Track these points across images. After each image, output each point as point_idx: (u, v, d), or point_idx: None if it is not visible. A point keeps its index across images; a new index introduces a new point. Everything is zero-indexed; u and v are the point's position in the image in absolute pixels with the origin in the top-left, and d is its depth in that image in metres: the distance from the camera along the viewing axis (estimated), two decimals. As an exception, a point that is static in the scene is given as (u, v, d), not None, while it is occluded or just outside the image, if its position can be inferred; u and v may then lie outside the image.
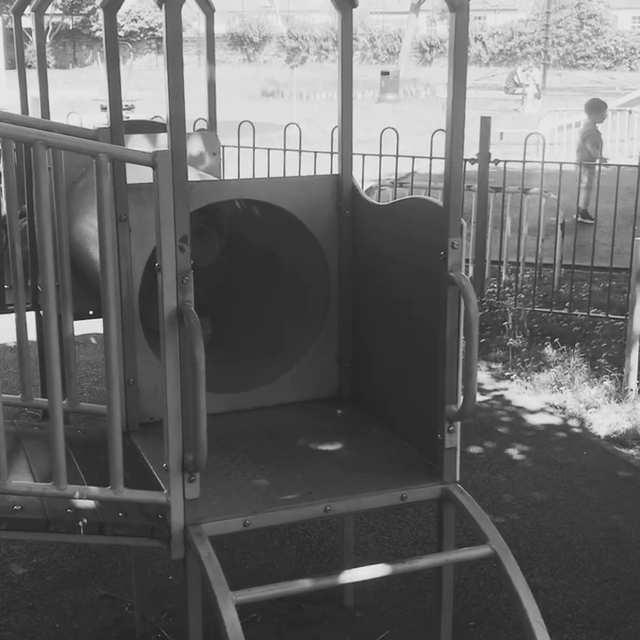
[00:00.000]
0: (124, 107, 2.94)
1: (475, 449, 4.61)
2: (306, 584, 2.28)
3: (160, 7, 2.06)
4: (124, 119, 2.96)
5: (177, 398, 2.22)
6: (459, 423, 2.51)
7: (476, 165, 6.84)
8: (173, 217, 2.14)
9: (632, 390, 5.16)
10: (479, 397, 5.24)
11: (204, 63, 3.99)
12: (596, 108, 10.27)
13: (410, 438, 2.69)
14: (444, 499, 2.53)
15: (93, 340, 5.85)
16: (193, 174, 3.41)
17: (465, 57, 2.31)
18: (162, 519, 2.33)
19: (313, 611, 3.24)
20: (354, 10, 2.83)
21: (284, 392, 2.98)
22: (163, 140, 3.75)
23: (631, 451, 4.65)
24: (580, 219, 7.58)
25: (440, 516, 2.58)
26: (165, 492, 2.29)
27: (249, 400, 2.94)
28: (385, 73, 27.30)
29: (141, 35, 42.02)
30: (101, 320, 2.24)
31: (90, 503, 2.32)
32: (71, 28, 41.48)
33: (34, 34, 3.93)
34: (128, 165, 2.63)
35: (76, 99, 20.36)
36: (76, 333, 2.93)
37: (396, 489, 2.51)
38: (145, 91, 21.28)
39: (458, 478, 2.54)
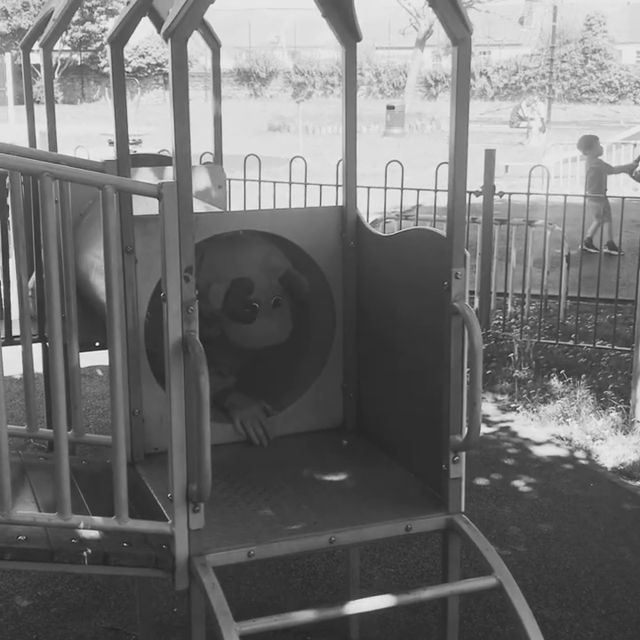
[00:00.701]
0: (131, 141, 2.98)
1: (481, 481, 4.59)
2: (310, 615, 2.27)
3: (166, 42, 2.09)
4: (132, 153, 2.99)
5: (181, 428, 2.23)
6: (463, 454, 2.51)
7: (481, 198, 6.88)
8: (178, 247, 2.16)
9: (639, 422, 5.15)
10: (485, 429, 5.23)
11: (211, 98, 4.04)
12: (590, 145, 10.39)
13: (415, 469, 2.69)
14: (449, 529, 2.52)
15: (99, 372, 5.86)
16: (199, 206, 3.43)
17: (467, 88, 2.33)
18: (166, 549, 2.33)
19: (318, 644, 3.22)
20: (358, 45, 2.87)
21: (289, 422, 2.98)
22: (169, 173, 3.78)
23: (638, 482, 4.63)
24: (585, 248, 7.58)
25: (445, 546, 2.57)
26: (170, 522, 2.29)
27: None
28: (390, 107, 27.51)
29: (149, 70, 42.41)
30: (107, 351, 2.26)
31: (94, 533, 2.32)
32: (79, 63, 41.93)
33: (42, 69, 3.98)
34: (134, 198, 2.65)
35: (84, 133, 20.54)
36: (83, 365, 2.93)
37: (400, 520, 2.50)
38: (152, 126, 21.47)
39: (463, 509, 2.54)
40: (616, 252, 8.32)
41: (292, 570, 3.71)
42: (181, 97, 2.10)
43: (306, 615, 2.27)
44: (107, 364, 2.27)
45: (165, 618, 3.35)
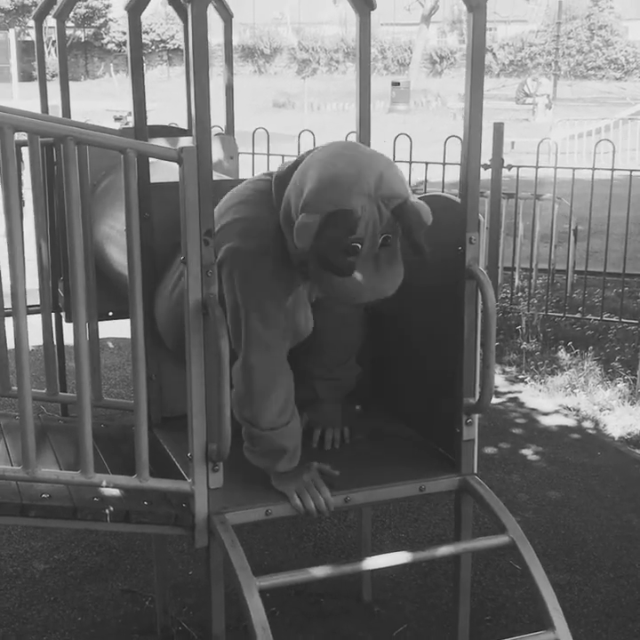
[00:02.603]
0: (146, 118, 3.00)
1: (490, 450, 4.65)
2: (327, 571, 2.33)
3: (187, 7, 2.11)
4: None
5: (201, 389, 2.27)
6: (476, 416, 2.56)
7: (489, 172, 6.88)
8: (198, 211, 2.20)
9: (645, 392, 5.20)
10: (494, 400, 5.26)
11: (220, 72, 4.05)
12: None
13: (428, 432, 2.74)
14: (462, 490, 2.58)
15: (110, 345, 5.91)
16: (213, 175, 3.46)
17: (482, 56, 2.36)
18: (186, 508, 2.38)
19: (331, 605, 3.28)
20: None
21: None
22: (183, 144, 3.81)
23: (645, 451, 4.69)
24: None
25: (458, 507, 2.63)
26: (190, 481, 2.35)
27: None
28: (396, 83, 27.42)
29: (153, 47, 42.25)
30: (119, 323, 2.30)
31: (116, 492, 2.37)
32: (83, 40, 41.75)
33: (57, 40, 3.99)
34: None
35: (89, 110, 20.46)
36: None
37: (414, 480, 2.55)
38: (156, 102, 21.43)
39: (476, 470, 2.59)
40: None
41: (303, 534, 3.77)
42: (201, 61, 2.13)
43: (323, 571, 2.33)
44: (118, 336, 2.32)
45: (181, 580, 3.41)
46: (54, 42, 4.19)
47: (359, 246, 2.18)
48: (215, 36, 4.11)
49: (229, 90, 4.05)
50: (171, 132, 4.21)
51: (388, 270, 2.24)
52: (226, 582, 2.40)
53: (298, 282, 2.47)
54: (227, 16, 3.98)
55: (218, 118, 4.19)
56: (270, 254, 2.37)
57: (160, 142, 3.88)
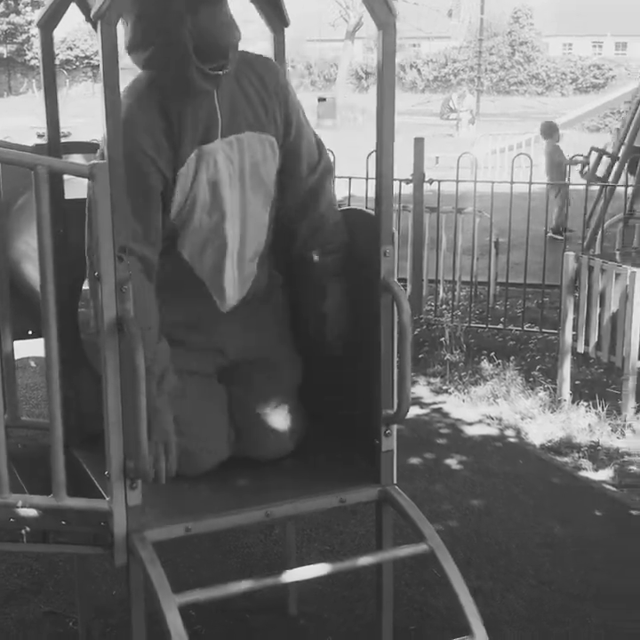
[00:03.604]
0: (60, 134, 2.98)
1: (414, 460, 4.69)
2: (247, 585, 2.33)
3: (94, 26, 2.11)
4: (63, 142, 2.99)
5: (117, 405, 2.26)
6: (395, 427, 2.59)
7: (412, 186, 6.98)
8: (111, 227, 2.19)
9: (565, 400, 5.32)
10: (418, 410, 5.34)
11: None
12: (550, 131, 11.01)
13: (348, 443, 2.75)
14: (382, 500, 2.60)
15: (33, 364, 5.83)
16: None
17: (393, 73, 2.40)
18: (104, 526, 2.35)
19: (257, 620, 3.28)
20: (290, 37, 2.91)
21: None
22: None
23: (565, 458, 4.78)
24: (551, 234, 7.74)
25: (379, 518, 2.65)
26: (108, 499, 2.33)
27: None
28: (322, 99, 27.64)
29: (77, 63, 41.86)
30: (41, 340, 2.27)
31: (33, 512, 2.34)
32: (5, 56, 41.17)
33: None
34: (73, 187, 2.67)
35: (13, 126, 20.20)
36: (16, 356, 2.95)
37: (335, 493, 2.56)
38: (80, 118, 21.22)
39: (395, 481, 2.61)
40: (561, 237, 8.50)
41: (229, 551, 3.76)
42: (112, 78, 2.13)
43: (243, 585, 2.33)
44: (40, 354, 2.29)
45: (104, 600, 3.37)
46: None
47: None
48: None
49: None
50: (88, 148, 4.17)
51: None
52: (149, 601, 2.39)
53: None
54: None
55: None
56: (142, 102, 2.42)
57: (77, 159, 3.85)
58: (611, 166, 8.52)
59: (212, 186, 2.49)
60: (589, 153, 8.86)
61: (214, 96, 2.45)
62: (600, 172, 8.58)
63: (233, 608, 3.27)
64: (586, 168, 8.94)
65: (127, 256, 2.22)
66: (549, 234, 7.70)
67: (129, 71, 2.42)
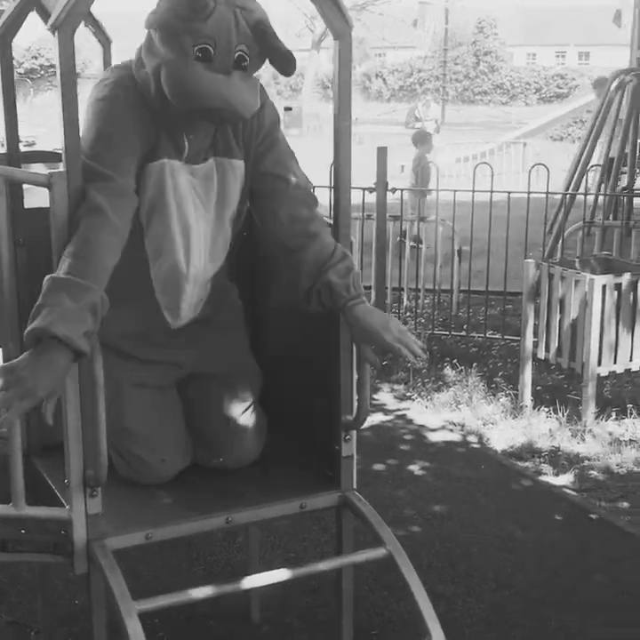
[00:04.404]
0: (24, 142, 3.00)
1: (378, 466, 4.73)
2: (208, 591, 2.34)
3: (53, 34, 2.13)
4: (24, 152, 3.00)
5: (76, 414, 2.26)
6: (354, 433, 2.62)
7: (375, 195, 7.02)
8: (68, 236, 2.20)
9: (526, 406, 5.38)
10: (382, 417, 5.38)
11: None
12: (422, 140, 11.08)
13: (308, 450, 2.78)
14: (342, 506, 2.62)
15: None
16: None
17: (349, 83, 2.43)
18: (64, 535, 2.35)
19: (220, 627, 3.29)
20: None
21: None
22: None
23: (526, 463, 4.84)
24: (412, 243, 7.75)
25: (339, 523, 2.67)
26: (67, 507, 2.33)
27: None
28: (288, 108, 27.72)
29: (42, 72, 41.65)
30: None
31: (-9, 521, 2.34)
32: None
33: None
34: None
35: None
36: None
37: (295, 498, 2.58)
38: (44, 127, 21.11)
39: (355, 486, 2.64)
40: (422, 246, 8.51)
41: (193, 559, 3.77)
42: (70, 89, 2.14)
43: (204, 591, 2.34)
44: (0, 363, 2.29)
45: (67, 609, 3.36)
46: None
47: (210, 50, 2.19)
48: (98, 60, 4.11)
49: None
50: (50, 157, 4.18)
51: (241, 86, 2.23)
52: (110, 610, 2.39)
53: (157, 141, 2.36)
54: (105, 40, 3.99)
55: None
56: (121, 98, 2.32)
57: (39, 168, 3.86)
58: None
59: (178, 207, 2.42)
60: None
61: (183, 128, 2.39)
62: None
63: (196, 615, 3.28)
64: None
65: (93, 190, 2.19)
66: (411, 243, 7.73)
67: (93, 79, 2.43)
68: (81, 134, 2.25)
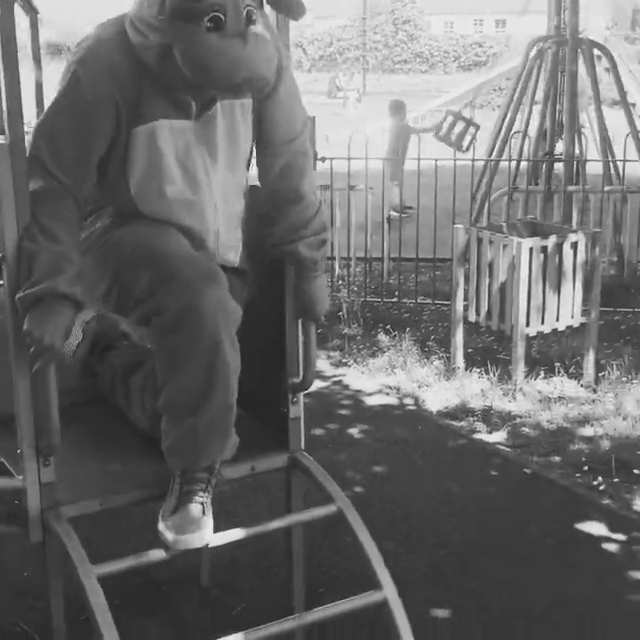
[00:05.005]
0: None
1: (318, 431, 4.81)
2: (162, 554, 2.39)
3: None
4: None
5: (27, 385, 2.28)
6: (301, 395, 2.68)
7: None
8: (14, 208, 2.20)
9: (459, 368, 5.52)
10: (320, 383, 5.46)
11: (30, 66, 4.01)
12: (398, 109, 11.15)
13: (257, 413, 2.83)
14: (292, 466, 2.69)
15: None
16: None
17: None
18: (19, 504, 2.38)
19: (173, 591, 3.34)
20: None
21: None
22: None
23: (461, 423, 4.98)
24: (393, 213, 7.93)
25: (288, 483, 2.74)
26: (20, 477, 2.35)
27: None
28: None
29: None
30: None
31: (-55, 494, 2.35)
32: None
33: None
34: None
35: None
36: None
37: (246, 461, 2.64)
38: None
39: (303, 447, 2.71)
40: (404, 214, 8.71)
41: (141, 526, 3.77)
42: (11, 59, 2.14)
43: (159, 554, 2.39)
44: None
45: (16, 581, 3.37)
46: None
47: (221, 17, 2.07)
48: (23, 33, 4.06)
49: (38, 86, 4.02)
50: None
51: (257, 47, 2.10)
52: (64, 581, 2.43)
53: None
54: (32, 13, 3.95)
55: (29, 114, 4.15)
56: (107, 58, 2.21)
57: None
58: (465, 129, 8.78)
59: (182, 166, 2.32)
60: (445, 117, 9.12)
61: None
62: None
63: (149, 580, 3.33)
64: (441, 131, 9.13)
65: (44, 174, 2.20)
66: (390, 213, 7.96)
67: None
68: (45, 110, 2.27)
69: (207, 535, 2.37)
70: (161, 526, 2.38)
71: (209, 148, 2.33)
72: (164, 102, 2.25)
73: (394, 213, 8.81)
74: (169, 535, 2.35)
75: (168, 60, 2.13)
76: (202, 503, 2.38)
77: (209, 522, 2.38)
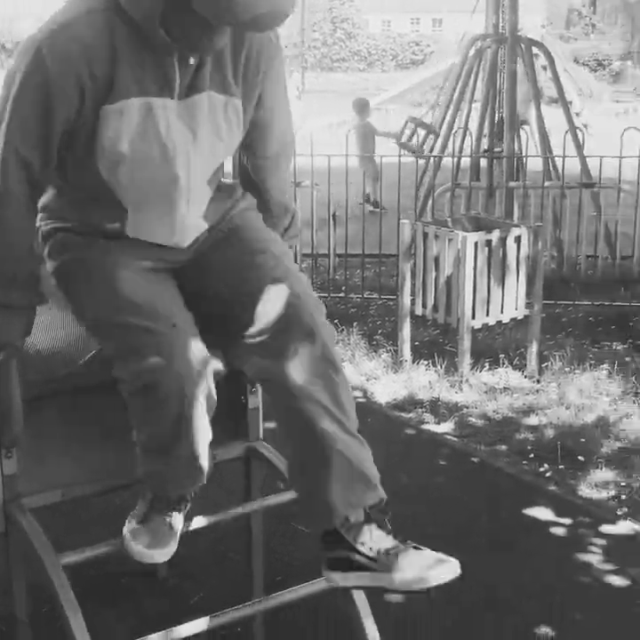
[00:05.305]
0: None
1: (269, 425, 4.81)
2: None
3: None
4: None
5: (-11, 377, 2.29)
6: (259, 386, 2.73)
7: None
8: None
9: (406, 361, 5.61)
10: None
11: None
12: (362, 107, 11.32)
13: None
14: (250, 455, 2.74)
15: None
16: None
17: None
18: (-19, 497, 2.39)
19: (131, 583, 3.37)
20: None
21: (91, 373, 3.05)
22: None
23: (410, 414, 5.06)
24: (372, 208, 8.04)
25: (247, 472, 2.80)
26: (-17, 470, 2.36)
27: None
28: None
29: None
30: None
31: None
32: None
33: None
34: None
35: None
36: None
37: (206, 451, 2.67)
38: None
39: (261, 436, 2.76)
40: (378, 209, 8.83)
41: (100, 516, 3.78)
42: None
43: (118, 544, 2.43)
44: None
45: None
46: None
47: None
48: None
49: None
50: None
51: None
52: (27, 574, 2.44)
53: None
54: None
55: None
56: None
57: None
58: (426, 137, 8.92)
59: (162, 148, 2.18)
60: (406, 124, 9.25)
61: (174, 56, 2.11)
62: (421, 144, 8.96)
63: (107, 573, 3.33)
64: (402, 137, 9.28)
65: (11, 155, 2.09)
66: (369, 208, 8.12)
67: None
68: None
69: (172, 549, 2.36)
70: (126, 532, 2.38)
71: (191, 129, 2.21)
72: (147, 78, 2.12)
73: (372, 208, 8.92)
74: (134, 546, 2.34)
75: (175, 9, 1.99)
76: (170, 521, 2.39)
77: (176, 537, 2.37)
